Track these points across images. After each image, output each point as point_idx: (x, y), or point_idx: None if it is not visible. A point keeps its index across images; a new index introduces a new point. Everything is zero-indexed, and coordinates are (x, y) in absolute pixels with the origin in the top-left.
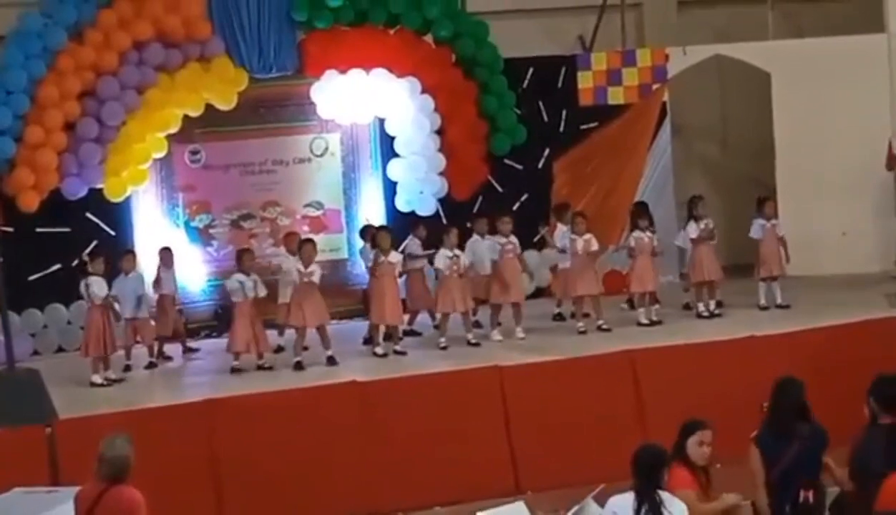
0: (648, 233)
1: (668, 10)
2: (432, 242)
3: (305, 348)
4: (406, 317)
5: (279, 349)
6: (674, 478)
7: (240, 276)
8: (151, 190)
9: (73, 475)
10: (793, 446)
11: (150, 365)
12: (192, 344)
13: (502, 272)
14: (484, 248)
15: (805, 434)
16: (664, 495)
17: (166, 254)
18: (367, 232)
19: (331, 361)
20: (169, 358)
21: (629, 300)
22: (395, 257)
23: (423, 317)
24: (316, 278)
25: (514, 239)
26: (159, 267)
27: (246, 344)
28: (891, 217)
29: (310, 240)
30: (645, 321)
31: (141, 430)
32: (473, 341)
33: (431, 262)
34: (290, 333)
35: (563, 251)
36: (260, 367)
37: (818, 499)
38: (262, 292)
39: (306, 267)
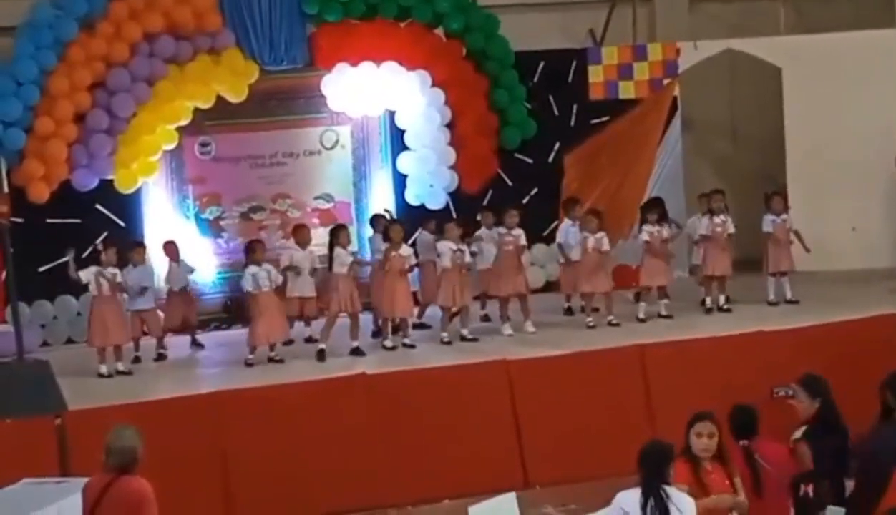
0: (658, 228)
1: (679, 4)
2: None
3: (312, 339)
4: (415, 310)
5: (289, 342)
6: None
7: (252, 268)
8: (161, 182)
9: (83, 466)
10: (838, 440)
11: (159, 357)
12: (199, 339)
13: (500, 264)
14: (487, 241)
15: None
16: (671, 490)
17: (170, 248)
18: (378, 221)
19: (356, 352)
20: (163, 358)
21: (636, 293)
22: (405, 251)
23: (433, 310)
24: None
25: (517, 231)
26: (170, 262)
27: (265, 338)
28: None
29: (343, 227)
30: (642, 316)
31: (150, 422)
32: (469, 337)
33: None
34: (298, 326)
35: (562, 247)
36: (271, 359)
37: (818, 493)
38: (278, 280)
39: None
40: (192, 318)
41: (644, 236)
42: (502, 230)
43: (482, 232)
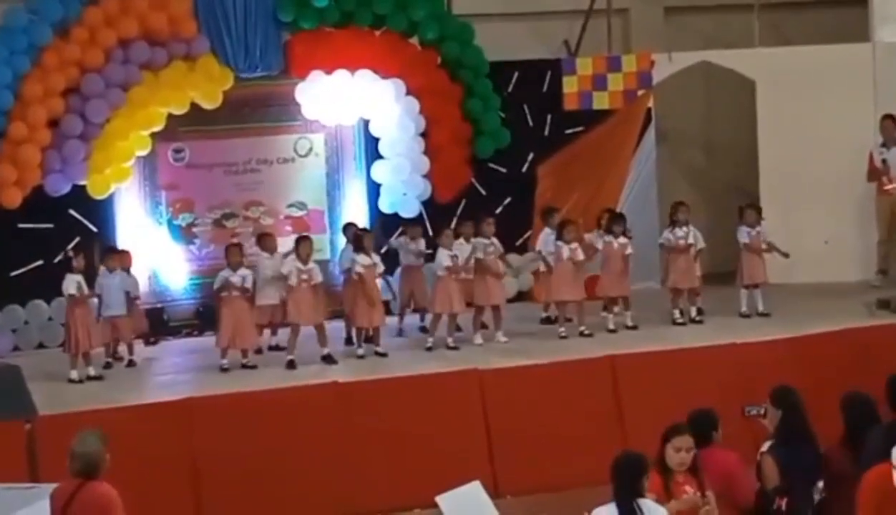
0: (622, 239)
1: (654, 15)
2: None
3: (278, 347)
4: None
5: (258, 350)
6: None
7: (225, 272)
8: (135, 187)
9: (53, 471)
10: (807, 451)
11: (130, 364)
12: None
13: (486, 274)
14: (467, 252)
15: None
16: (646, 503)
17: (126, 257)
18: (348, 230)
19: (328, 359)
20: (119, 359)
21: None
22: (374, 258)
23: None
24: (317, 277)
25: (495, 240)
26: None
27: (227, 340)
28: (871, 226)
29: (307, 238)
30: (612, 327)
31: (121, 428)
32: (452, 345)
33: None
34: (265, 333)
35: (543, 255)
36: (244, 366)
37: (792, 507)
38: (248, 283)
39: (304, 264)
40: (142, 325)
41: (598, 244)
42: (484, 240)
43: (459, 242)
